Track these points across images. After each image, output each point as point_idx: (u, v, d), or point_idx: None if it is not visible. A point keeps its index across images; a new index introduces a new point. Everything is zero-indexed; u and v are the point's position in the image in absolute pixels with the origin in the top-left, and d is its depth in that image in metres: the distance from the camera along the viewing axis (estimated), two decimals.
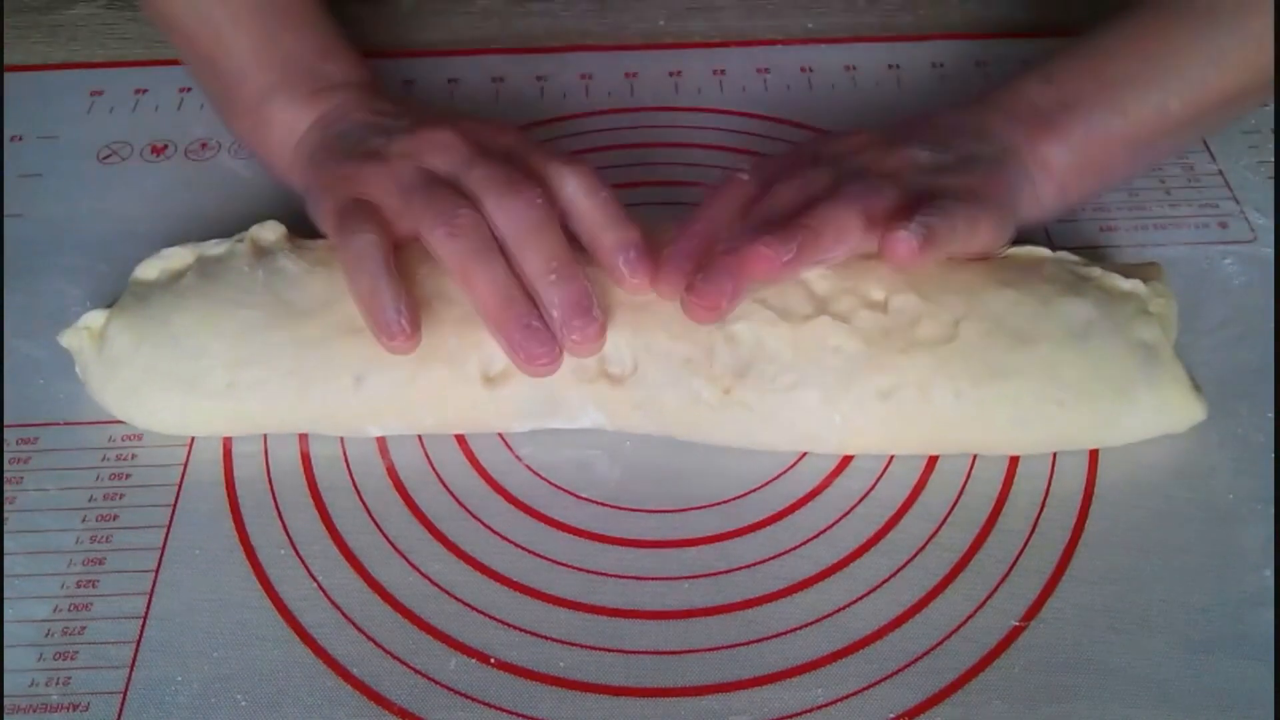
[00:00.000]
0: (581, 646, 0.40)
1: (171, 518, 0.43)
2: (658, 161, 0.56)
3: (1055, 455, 0.45)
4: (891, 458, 0.45)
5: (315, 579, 0.42)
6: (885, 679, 0.39)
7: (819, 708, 0.38)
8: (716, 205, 0.44)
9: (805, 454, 0.45)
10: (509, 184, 0.42)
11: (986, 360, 0.42)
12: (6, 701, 0.38)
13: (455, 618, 0.40)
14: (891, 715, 0.38)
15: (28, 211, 0.54)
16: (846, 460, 0.45)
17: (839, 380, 0.42)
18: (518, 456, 0.45)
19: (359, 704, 0.38)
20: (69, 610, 0.41)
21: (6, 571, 0.42)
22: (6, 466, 0.45)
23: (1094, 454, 0.45)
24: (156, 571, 0.42)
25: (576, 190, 0.43)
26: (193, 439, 0.46)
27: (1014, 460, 0.44)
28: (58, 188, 0.56)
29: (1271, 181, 0.55)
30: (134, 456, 0.45)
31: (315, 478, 0.45)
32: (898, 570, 0.41)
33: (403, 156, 0.45)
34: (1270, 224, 0.53)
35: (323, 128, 0.49)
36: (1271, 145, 0.56)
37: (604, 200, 0.43)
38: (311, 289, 0.45)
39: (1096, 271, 0.46)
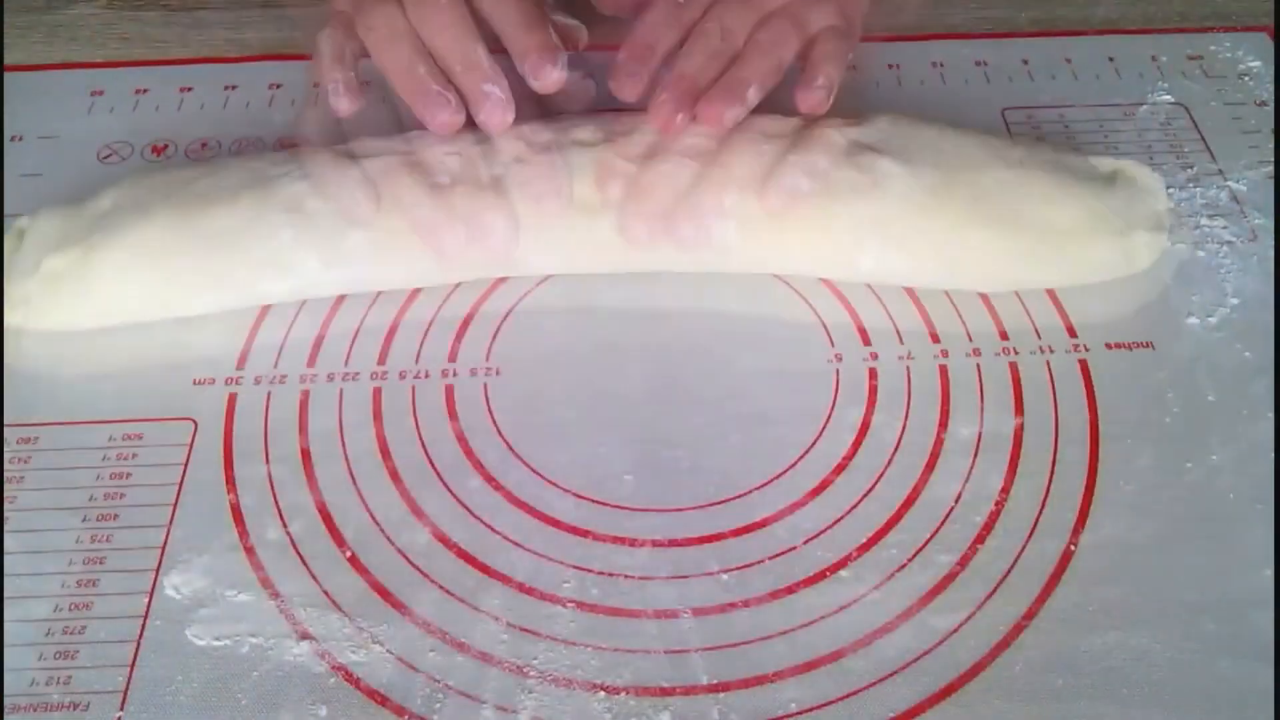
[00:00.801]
0: (580, 645, 0.40)
1: (172, 517, 0.43)
2: None
3: (1055, 455, 0.45)
4: (891, 457, 0.45)
5: (316, 579, 0.41)
6: (885, 679, 0.39)
7: (819, 707, 0.38)
8: (652, 26, 0.51)
9: (805, 453, 0.45)
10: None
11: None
12: (6, 701, 0.38)
13: (455, 618, 0.40)
14: (891, 715, 0.38)
15: (27, 211, 0.54)
16: (847, 460, 0.45)
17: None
18: (518, 455, 0.45)
19: (359, 703, 0.38)
20: (69, 609, 0.41)
21: (6, 571, 0.42)
22: (6, 466, 0.45)
23: (1094, 453, 0.45)
24: (157, 571, 0.42)
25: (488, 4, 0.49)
26: (194, 436, 0.46)
27: (1014, 459, 0.44)
28: (58, 188, 0.56)
29: (1271, 181, 0.55)
30: (134, 456, 0.45)
31: (316, 477, 0.45)
32: (898, 569, 0.41)
33: None
34: (1270, 224, 0.53)
35: None
36: (1271, 145, 0.56)
37: (510, 8, 0.49)
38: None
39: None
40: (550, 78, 0.48)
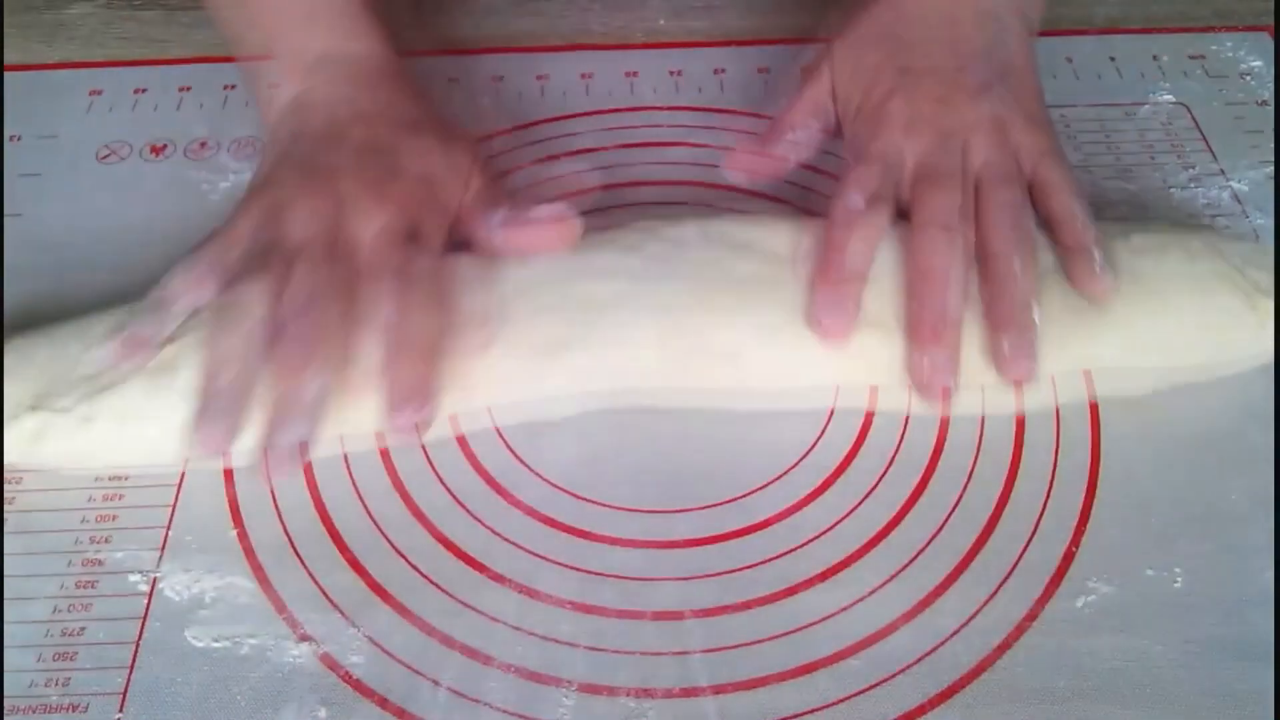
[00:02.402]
0: (581, 647, 0.40)
1: (171, 518, 0.43)
2: (658, 161, 0.56)
3: (1057, 456, 0.45)
4: (891, 458, 0.45)
5: (315, 579, 0.41)
6: (886, 679, 0.39)
7: (819, 708, 0.38)
8: (849, 254, 0.43)
9: (806, 453, 0.45)
10: (308, 303, 0.41)
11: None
12: (6, 702, 0.38)
13: (455, 617, 0.40)
14: (892, 715, 0.38)
15: (27, 211, 0.54)
16: (848, 460, 0.45)
17: None
18: (518, 456, 0.45)
19: (358, 703, 0.38)
20: (68, 610, 0.41)
21: (6, 571, 0.42)
22: (6, 467, 0.45)
23: (1095, 454, 0.45)
24: (155, 571, 0.42)
25: (387, 316, 0.42)
26: None
27: (1016, 460, 0.44)
28: (57, 187, 0.56)
29: (1272, 181, 0.55)
30: None
31: (315, 477, 0.45)
32: (899, 571, 0.41)
33: (276, 209, 0.44)
34: (1270, 224, 0.53)
35: (286, 133, 0.48)
36: (1272, 145, 0.56)
37: (395, 342, 0.41)
38: None
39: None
40: (401, 423, 0.41)
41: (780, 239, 0.46)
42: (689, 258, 0.45)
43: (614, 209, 0.53)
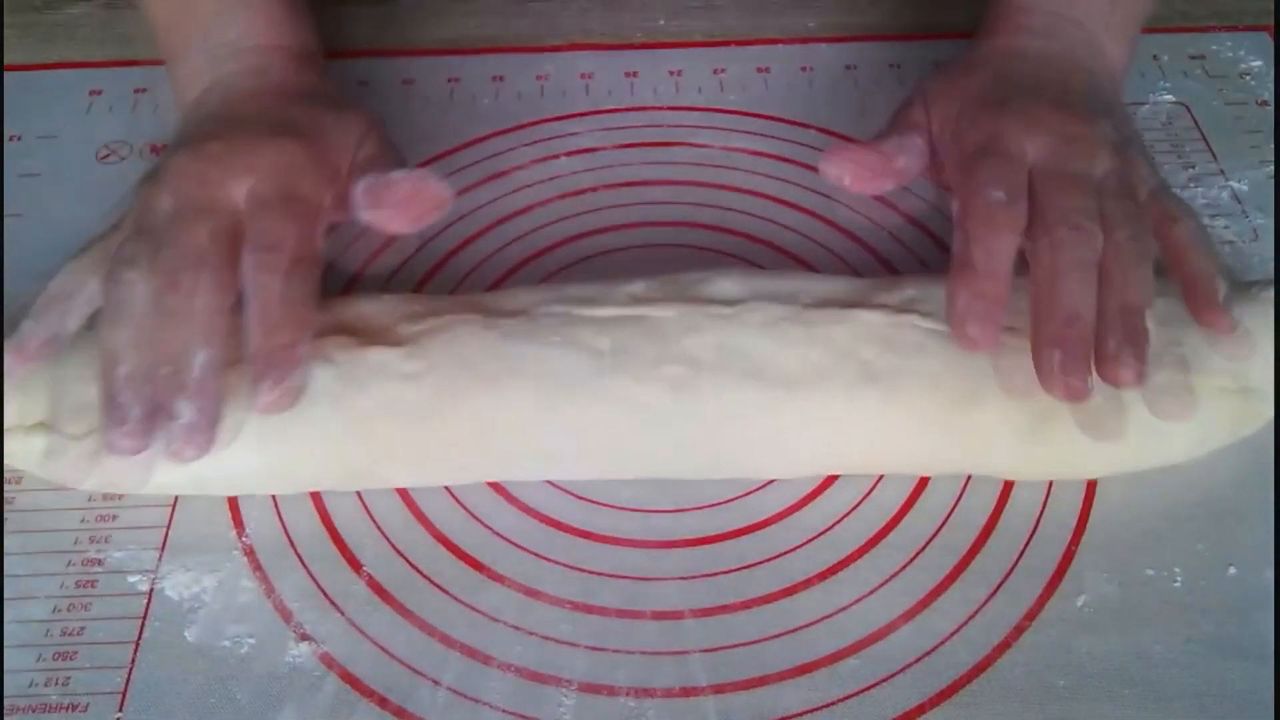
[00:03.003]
0: (581, 647, 0.40)
1: (170, 517, 0.43)
2: (658, 161, 0.56)
3: None
4: None
5: (314, 579, 0.41)
6: (885, 679, 0.39)
7: (819, 708, 0.38)
8: (996, 253, 0.40)
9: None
10: (175, 274, 0.40)
11: None
12: (6, 701, 0.38)
13: (455, 617, 0.40)
14: (892, 716, 0.38)
15: (27, 211, 0.54)
16: None
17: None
18: None
19: (358, 703, 0.38)
20: (68, 610, 0.41)
21: (6, 571, 0.42)
22: (6, 467, 0.45)
23: None
24: (155, 571, 0.42)
25: (249, 283, 0.40)
26: None
27: None
28: (57, 187, 0.56)
29: (1272, 181, 0.55)
30: None
31: None
32: (898, 571, 0.41)
33: (155, 187, 0.43)
34: (1271, 224, 0.53)
35: (191, 117, 0.48)
36: (1271, 145, 0.56)
37: (263, 302, 0.40)
38: None
39: None
40: (263, 400, 0.39)
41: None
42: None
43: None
